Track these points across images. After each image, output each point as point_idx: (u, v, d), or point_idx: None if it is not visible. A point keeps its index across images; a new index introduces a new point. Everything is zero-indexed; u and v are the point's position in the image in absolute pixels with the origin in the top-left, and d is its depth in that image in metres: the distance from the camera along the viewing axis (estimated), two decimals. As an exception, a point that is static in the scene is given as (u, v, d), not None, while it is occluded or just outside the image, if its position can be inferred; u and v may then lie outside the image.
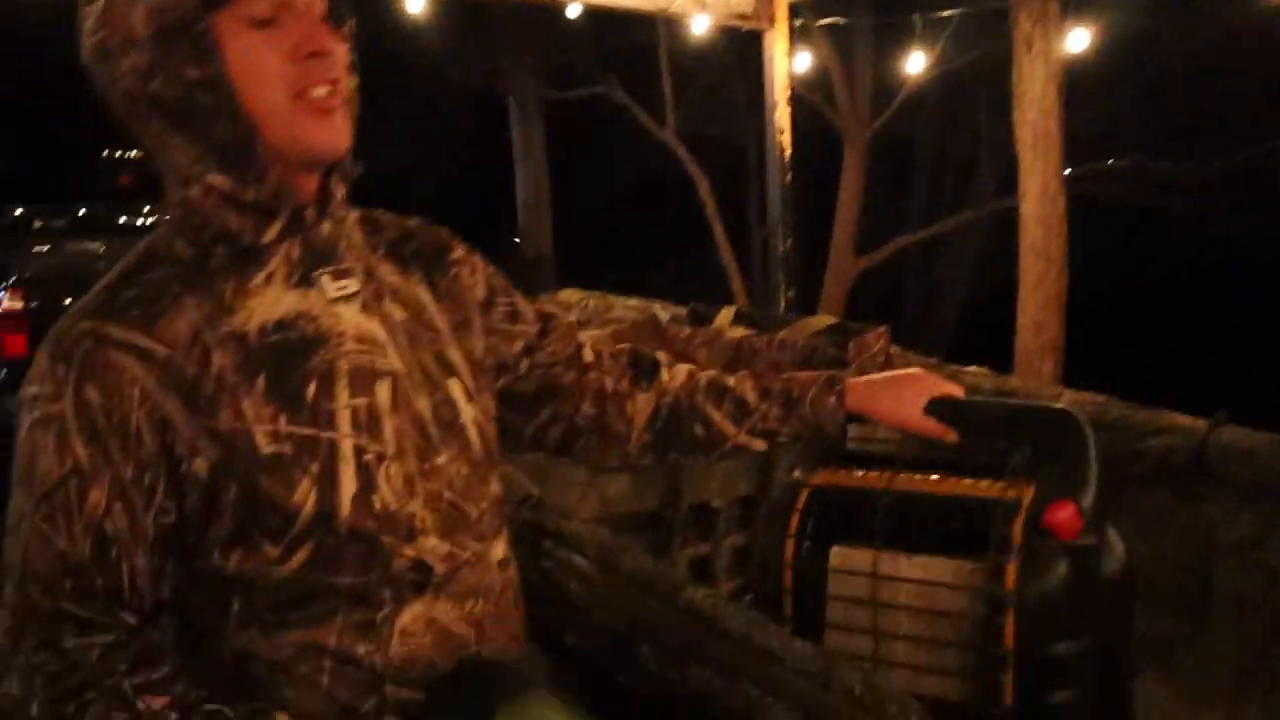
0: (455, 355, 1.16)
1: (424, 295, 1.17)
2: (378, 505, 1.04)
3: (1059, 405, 1.62)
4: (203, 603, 1.05)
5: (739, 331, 3.08)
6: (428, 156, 14.13)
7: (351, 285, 1.09)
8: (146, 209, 7.41)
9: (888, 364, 3.18)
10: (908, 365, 3.26)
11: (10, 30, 11.97)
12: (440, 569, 1.08)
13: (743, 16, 5.36)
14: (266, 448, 1.00)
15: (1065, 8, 6.02)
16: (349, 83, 1.06)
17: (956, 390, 1.41)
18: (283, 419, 1.01)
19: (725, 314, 3.49)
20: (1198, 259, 10.31)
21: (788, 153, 5.29)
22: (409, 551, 1.06)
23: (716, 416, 1.34)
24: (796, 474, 1.75)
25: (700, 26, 5.39)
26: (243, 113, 0.99)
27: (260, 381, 1.01)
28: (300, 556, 1.02)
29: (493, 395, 1.21)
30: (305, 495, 1.01)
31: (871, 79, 9.22)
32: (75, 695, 0.94)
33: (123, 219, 7.21)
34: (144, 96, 1.00)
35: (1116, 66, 8.24)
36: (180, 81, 0.98)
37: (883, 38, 8.83)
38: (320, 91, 1.01)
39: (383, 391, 1.07)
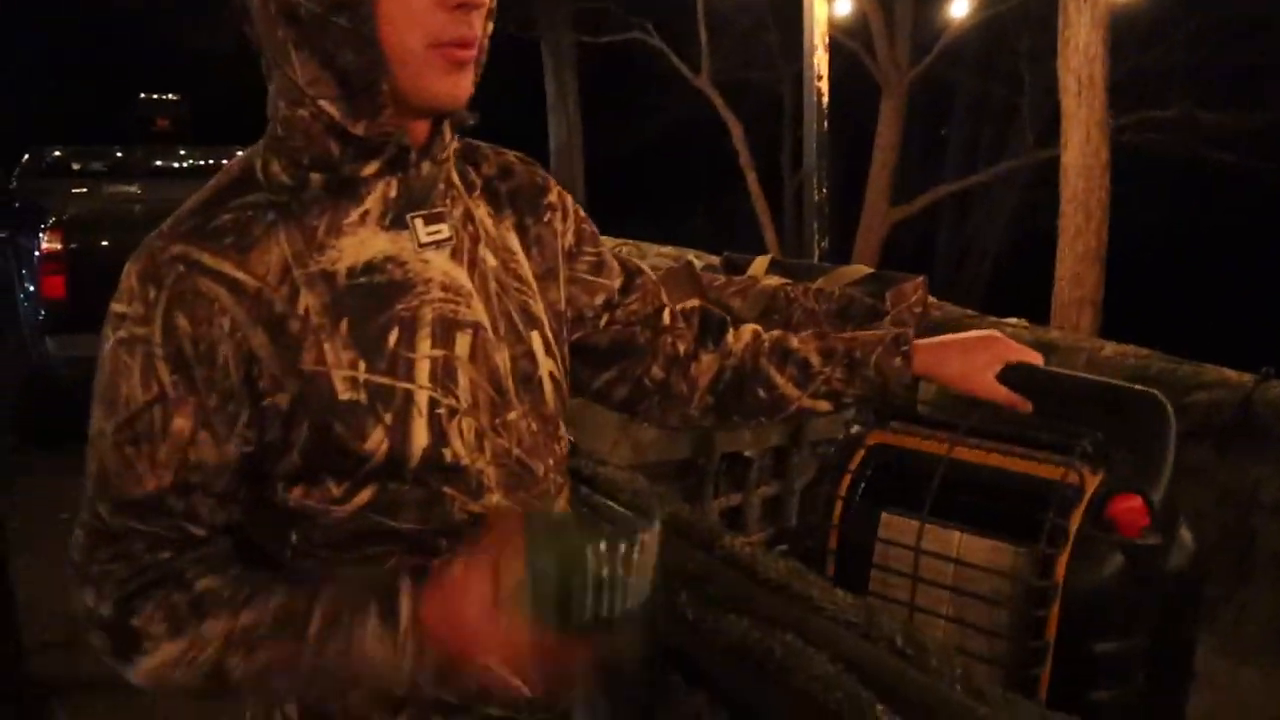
0: (538, 307, 1.13)
1: (514, 241, 1.14)
2: (447, 458, 1.03)
3: (1145, 389, 1.48)
4: (263, 531, 1.06)
5: (774, 280, 3.04)
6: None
7: (444, 231, 1.06)
8: (182, 152, 7.40)
9: (925, 314, 3.14)
10: (944, 316, 3.23)
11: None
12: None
13: (781, -42, 5.26)
14: (344, 394, 0.99)
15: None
16: (485, 36, 1.02)
17: (1035, 357, 1.33)
18: (362, 365, 1.00)
19: (759, 262, 3.45)
20: (1244, 212, 10.08)
21: (825, 99, 5.21)
22: (473, 507, 1.05)
23: (780, 380, 1.30)
24: (855, 429, 1.69)
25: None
26: (377, 47, 0.94)
27: (344, 325, 0.99)
28: (363, 498, 1.02)
29: (568, 347, 1.18)
30: (377, 444, 1.00)
31: (911, 26, 9.02)
32: (141, 592, 0.98)
33: (159, 162, 7.19)
34: (280, 9, 0.95)
35: (1164, 14, 8.03)
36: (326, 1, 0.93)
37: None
38: (457, 45, 0.97)
39: (462, 343, 1.04)
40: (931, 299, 3.28)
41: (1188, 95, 8.08)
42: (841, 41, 8.95)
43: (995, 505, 1.50)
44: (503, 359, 1.08)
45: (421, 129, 1.02)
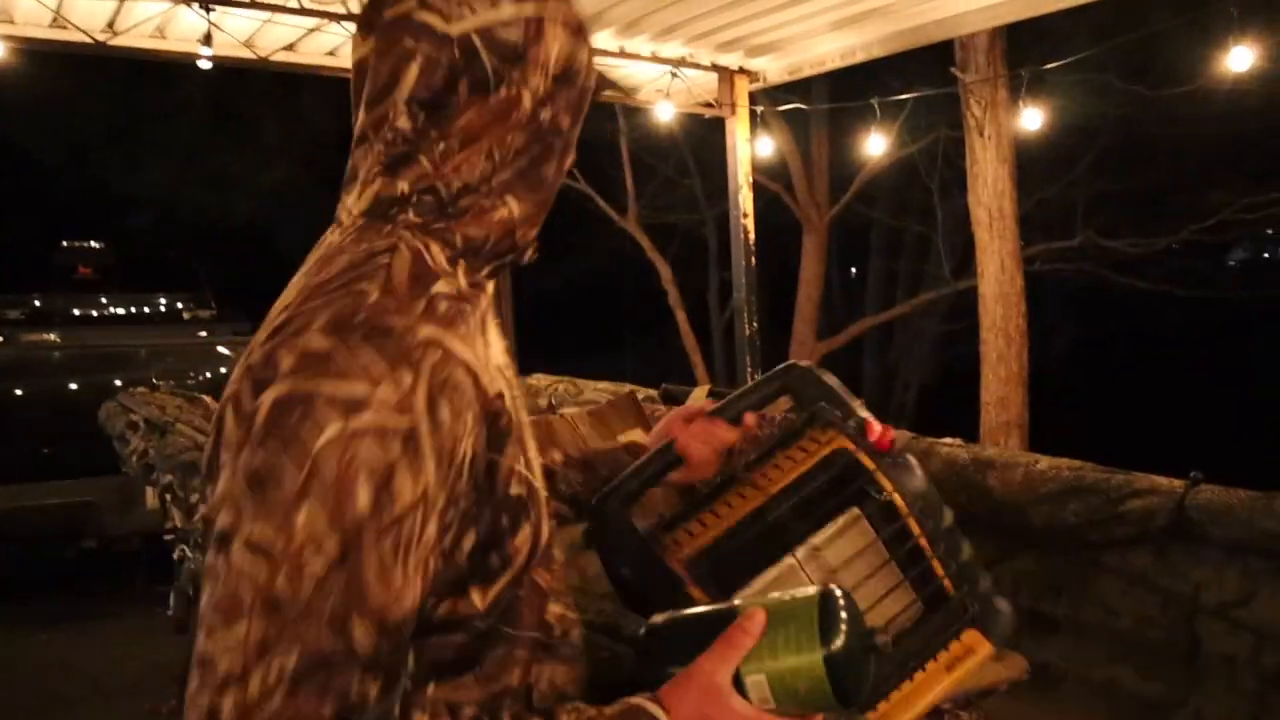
0: None
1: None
2: (550, 558, 1.02)
3: (786, 365, 1.64)
4: None
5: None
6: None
7: (501, 343, 1.06)
8: (104, 299, 7.31)
9: (864, 436, 3.19)
10: (883, 437, 3.28)
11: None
12: (559, 629, 1.03)
13: (706, 104, 5.50)
14: (514, 489, 0.95)
15: (1014, 92, 6.23)
16: None
17: (701, 407, 1.49)
18: (521, 461, 0.96)
19: (698, 392, 3.49)
20: (1156, 329, 10.54)
21: (752, 236, 5.37)
22: (555, 607, 1.02)
23: None
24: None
25: (665, 114, 5.50)
26: (558, 177, 1.03)
27: (511, 421, 0.96)
28: (498, 605, 0.95)
29: None
30: (524, 539, 0.96)
31: (829, 165, 9.44)
32: None
33: (79, 310, 7.09)
34: (529, 111, 0.98)
35: (1069, 146, 8.53)
36: (557, 122, 1.00)
37: (839, 124, 9.07)
38: None
39: (532, 445, 1.03)
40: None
41: (1091, 223, 8.53)
42: (763, 182, 9.33)
43: (814, 509, 1.52)
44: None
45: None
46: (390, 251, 0.93)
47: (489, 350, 0.97)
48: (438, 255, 0.95)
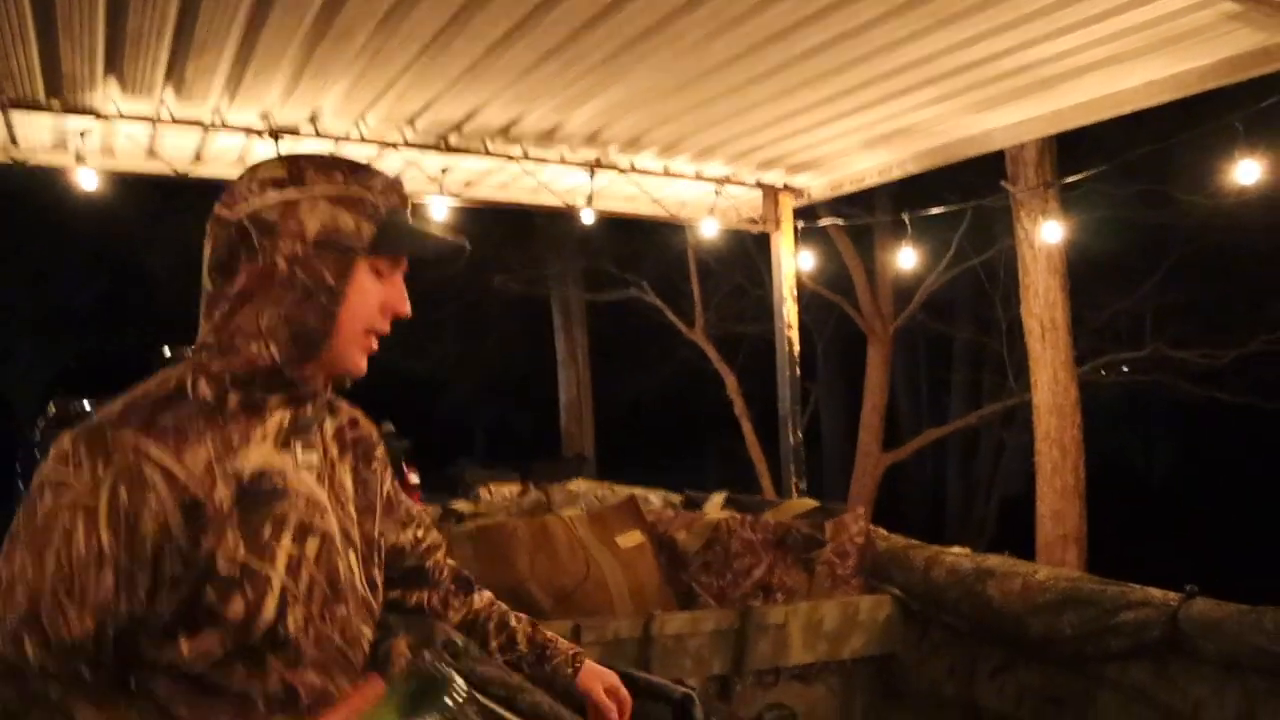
0: (355, 533, 1.42)
1: (348, 480, 1.44)
2: (280, 634, 1.26)
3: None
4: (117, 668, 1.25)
5: (718, 514, 3.18)
6: (472, 357, 14.65)
7: (314, 458, 1.36)
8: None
9: (868, 545, 3.25)
10: (890, 546, 3.33)
11: (86, 246, 12.92)
12: (307, 699, 1.28)
13: (751, 221, 5.69)
14: (222, 569, 1.22)
15: (1065, 203, 6.30)
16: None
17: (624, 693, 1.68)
18: (241, 548, 1.23)
19: (715, 499, 3.61)
20: (1239, 442, 10.18)
21: (796, 347, 5.49)
22: (288, 677, 1.27)
23: (492, 642, 1.65)
24: None
25: (710, 230, 5.70)
26: (333, 322, 1.28)
27: (236, 515, 1.24)
28: (206, 658, 1.22)
29: (381, 567, 1.48)
30: (234, 614, 1.23)
31: (892, 277, 9.52)
32: (24, 714, 1.13)
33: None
34: (285, 271, 1.25)
35: (1133, 257, 8.47)
36: (315, 278, 1.26)
37: (902, 235, 9.19)
38: (375, 339, 1.34)
39: (312, 546, 1.31)
40: (879, 529, 3.40)
41: (1162, 334, 8.41)
42: (825, 294, 9.46)
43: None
44: (344, 565, 1.36)
45: (319, 381, 1.35)
46: (167, 380, 1.28)
47: (238, 458, 1.26)
48: (202, 386, 1.27)
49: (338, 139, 4.39)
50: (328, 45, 3.48)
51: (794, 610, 3.00)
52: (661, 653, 2.68)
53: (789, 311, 5.51)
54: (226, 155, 4.51)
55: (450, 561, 1.69)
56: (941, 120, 4.39)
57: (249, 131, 4.26)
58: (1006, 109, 4.20)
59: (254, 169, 1.31)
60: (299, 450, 1.33)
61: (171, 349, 8.48)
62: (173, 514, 1.20)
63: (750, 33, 3.43)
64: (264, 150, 4.40)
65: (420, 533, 1.62)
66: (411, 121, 4.33)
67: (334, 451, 1.42)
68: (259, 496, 1.26)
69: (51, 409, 7.39)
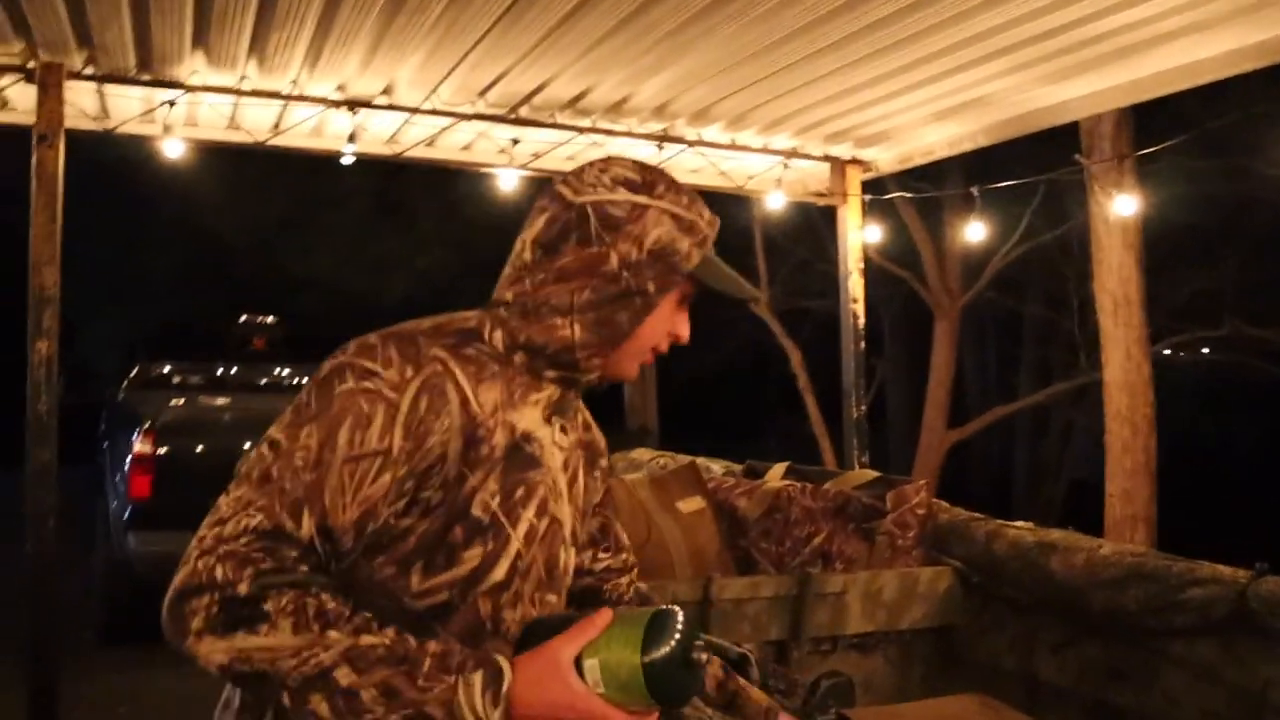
0: (578, 529, 1.47)
1: (584, 479, 1.48)
2: (501, 599, 1.30)
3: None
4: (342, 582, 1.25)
5: (778, 482, 3.21)
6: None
7: (567, 441, 1.41)
8: (275, 369, 7.94)
9: (929, 515, 3.26)
10: (952, 519, 3.33)
11: (167, 216, 13.28)
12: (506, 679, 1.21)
13: (818, 194, 5.68)
14: (476, 510, 1.26)
15: (1142, 177, 6.16)
16: None
17: None
18: (497, 500, 1.28)
19: (777, 469, 3.63)
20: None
21: (861, 321, 5.47)
22: (488, 644, 1.27)
23: None
24: None
25: (776, 203, 5.70)
26: (638, 327, 1.33)
27: (502, 465, 1.28)
28: (431, 601, 1.26)
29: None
30: (471, 558, 1.26)
31: (961, 253, 9.39)
32: (279, 586, 1.12)
33: (251, 378, 7.74)
34: (615, 269, 1.30)
35: (1210, 233, 8.26)
36: (641, 284, 1.31)
37: (971, 209, 9.06)
38: (651, 356, 1.39)
39: (545, 525, 1.35)
40: (940, 502, 3.40)
41: (1242, 312, 8.20)
42: (891, 269, 9.37)
43: None
44: (564, 555, 1.41)
45: (596, 375, 1.38)
46: (466, 319, 1.35)
47: (515, 411, 1.31)
48: (496, 338, 1.33)
49: (411, 110, 4.48)
50: (404, 17, 3.55)
51: (853, 579, 3.02)
52: (720, 616, 2.73)
53: (855, 285, 5.49)
54: (303, 126, 4.63)
55: (641, 587, 1.67)
56: (1014, 91, 4.33)
57: (325, 102, 4.37)
58: (1082, 79, 4.13)
59: (606, 162, 1.37)
60: (556, 429, 1.38)
61: (248, 316, 8.70)
62: (455, 440, 1.24)
63: (819, 3, 3.42)
64: (340, 121, 4.51)
65: (604, 554, 1.61)
66: (483, 93, 4.40)
67: (575, 442, 1.46)
68: (522, 457, 1.31)
69: (135, 372, 7.63)
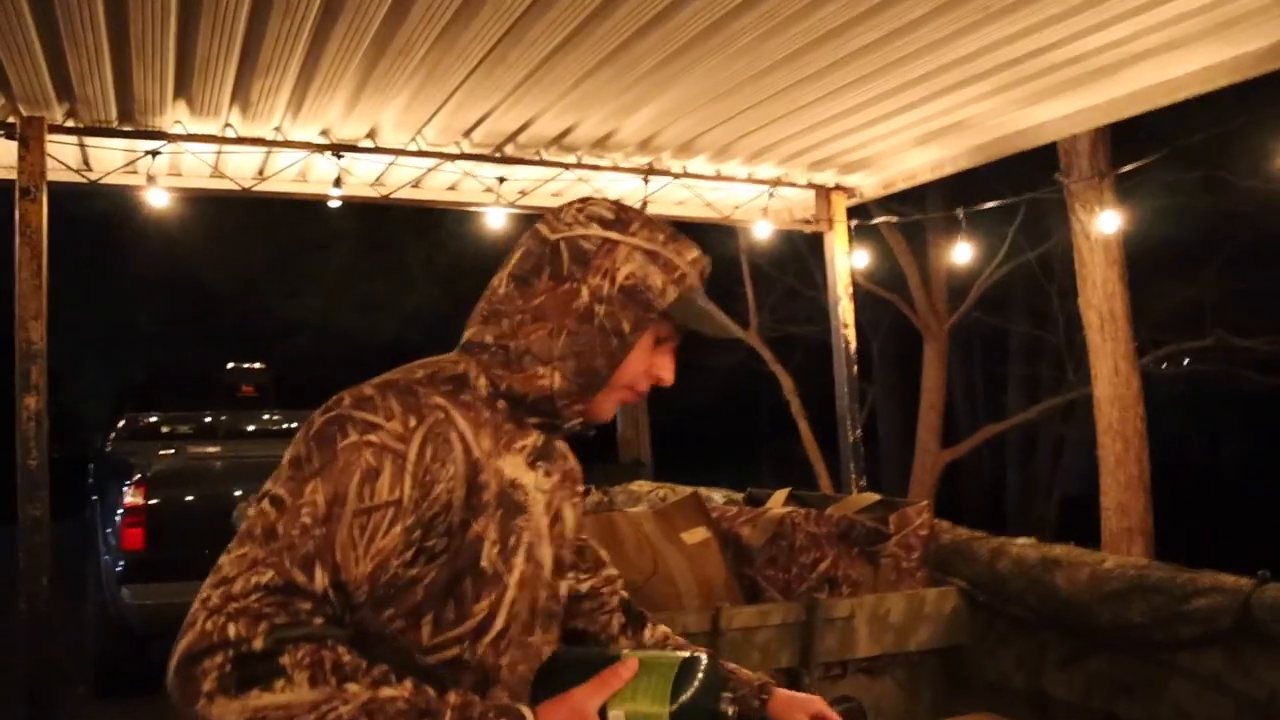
0: (567, 560, 1.46)
1: (568, 511, 1.46)
2: (501, 646, 1.29)
3: None
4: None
5: (782, 509, 3.21)
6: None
7: (549, 484, 1.39)
8: (265, 416, 7.89)
9: (931, 536, 3.26)
10: (954, 538, 3.34)
11: (152, 264, 13.27)
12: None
13: (804, 221, 5.72)
14: (484, 560, 1.25)
15: (1121, 193, 6.23)
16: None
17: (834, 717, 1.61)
18: (497, 550, 1.27)
19: (778, 496, 3.63)
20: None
21: (853, 345, 5.50)
22: (498, 694, 1.28)
23: None
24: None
25: (763, 232, 5.73)
26: (611, 368, 1.31)
27: (499, 514, 1.28)
28: (445, 655, 1.24)
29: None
30: (480, 610, 1.26)
31: (946, 275, 9.46)
32: (295, 640, 1.09)
33: (241, 425, 7.69)
34: (586, 304, 1.29)
35: (1191, 246, 8.34)
36: (616, 324, 1.29)
37: (955, 232, 9.14)
38: (632, 397, 1.37)
39: (534, 570, 1.34)
40: (941, 522, 3.40)
41: (1225, 323, 8.27)
42: (879, 293, 9.43)
43: None
44: (542, 595, 1.37)
45: (576, 420, 1.37)
46: (454, 364, 1.33)
47: (502, 459, 1.30)
48: (481, 385, 1.31)
49: (396, 152, 4.50)
50: (387, 61, 3.58)
51: (860, 603, 3.01)
52: (729, 646, 2.72)
53: (844, 310, 5.52)
54: (288, 171, 4.64)
55: (622, 593, 1.69)
56: (993, 114, 4.39)
57: (310, 147, 4.39)
58: (1059, 100, 4.19)
59: (585, 201, 1.37)
60: (540, 474, 1.37)
61: (235, 363, 8.66)
62: (460, 487, 1.23)
63: (800, 34, 3.47)
64: (325, 165, 4.53)
65: (585, 575, 1.64)
66: (468, 133, 4.43)
67: (558, 481, 1.44)
68: (512, 505, 1.30)
69: (123, 422, 7.58)
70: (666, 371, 1.37)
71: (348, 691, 1.08)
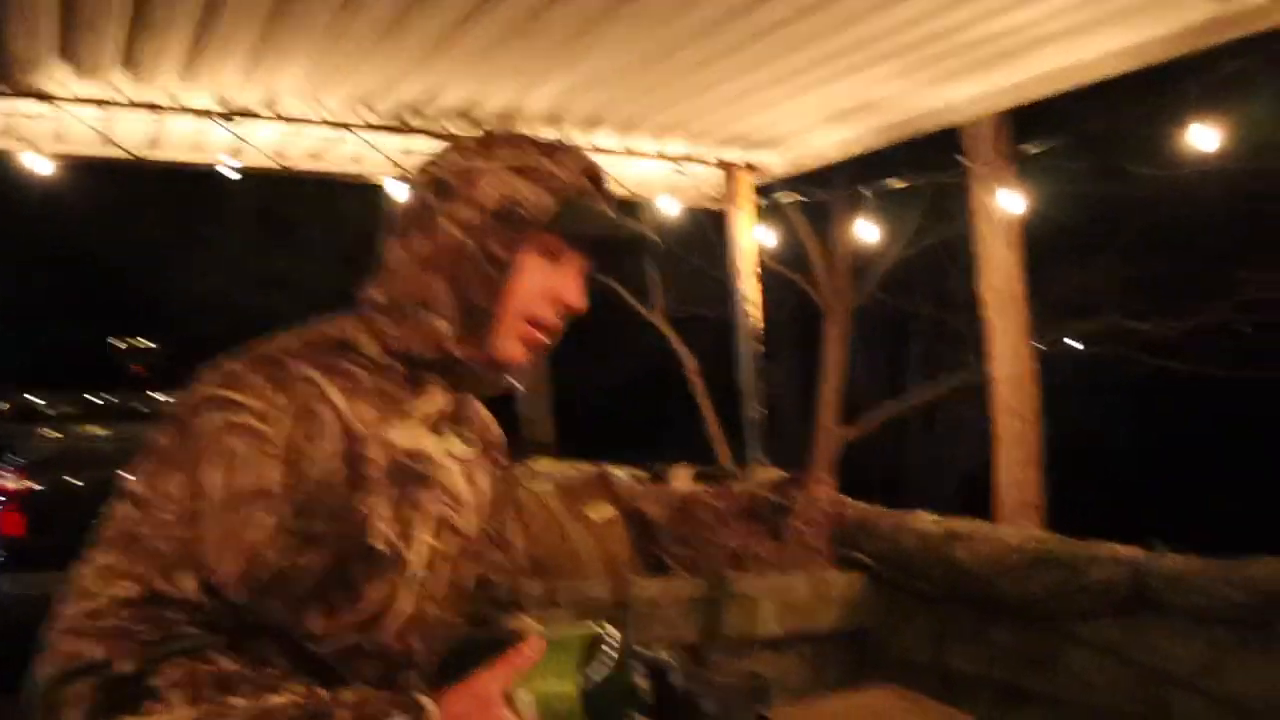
0: (499, 533, 1.37)
1: (487, 484, 1.34)
2: (408, 632, 1.19)
3: None
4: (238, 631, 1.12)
5: (687, 486, 3.20)
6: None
7: (467, 453, 1.28)
8: (154, 395, 7.63)
9: (836, 512, 3.29)
10: (857, 514, 3.37)
11: (24, 232, 12.67)
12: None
13: (712, 199, 5.70)
14: (376, 540, 1.13)
15: (1022, 178, 6.37)
16: (558, 335, 1.26)
17: None
18: (394, 528, 1.15)
19: (683, 472, 3.62)
20: (1182, 412, 10.41)
21: (757, 324, 5.51)
22: (410, 681, 1.18)
23: None
24: None
25: (670, 209, 5.71)
26: (499, 300, 1.18)
27: (390, 488, 1.15)
28: (337, 645, 1.13)
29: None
30: (376, 594, 1.15)
31: (850, 255, 9.59)
32: (167, 656, 1.00)
33: (130, 405, 7.42)
34: (449, 239, 1.17)
35: (1090, 230, 8.59)
36: (488, 250, 1.17)
37: (859, 212, 9.28)
38: (542, 330, 1.22)
39: (452, 546, 1.23)
40: (845, 498, 3.44)
41: (1119, 307, 8.56)
42: (783, 273, 9.51)
43: None
44: (467, 571, 1.28)
45: (483, 369, 1.23)
46: (338, 328, 1.21)
47: (394, 428, 1.17)
48: (371, 347, 1.19)
49: (296, 121, 4.34)
50: (287, 26, 3.43)
51: (766, 584, 3.03)
52: (635, 619, 2.70)
53: (749, 288, 5.52)
54: (183, 140, 4.44)
55: (517, 585, 1.55)
56: (902, 95, 4.42)
57: (205, 114, 4.20)
58: (967, 82, 4.24)
59: (455, 139, 1.26)
60: (453, 440, 1.25)
61: (119, 340, 8.35)
62: (338, 464, 1.11)
63: (712, 8, 3.43)
64: (221, 135, 4.34)
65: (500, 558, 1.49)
66: (371, 103, 4.29)
67: (479, 453, 1.33)
68: (410, 477, 1.18)
69: (4, 404, 7.25)
70: (570, 293, 1.21)
71: (229, 705, 0.99)
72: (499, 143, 1.23)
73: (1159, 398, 10.39)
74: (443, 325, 1.18)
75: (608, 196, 1.27)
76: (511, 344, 1.20)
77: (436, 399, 1.22)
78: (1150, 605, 2.70)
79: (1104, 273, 8.94)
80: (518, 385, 1.29)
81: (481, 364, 1.21)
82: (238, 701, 0.99)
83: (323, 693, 1.03)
